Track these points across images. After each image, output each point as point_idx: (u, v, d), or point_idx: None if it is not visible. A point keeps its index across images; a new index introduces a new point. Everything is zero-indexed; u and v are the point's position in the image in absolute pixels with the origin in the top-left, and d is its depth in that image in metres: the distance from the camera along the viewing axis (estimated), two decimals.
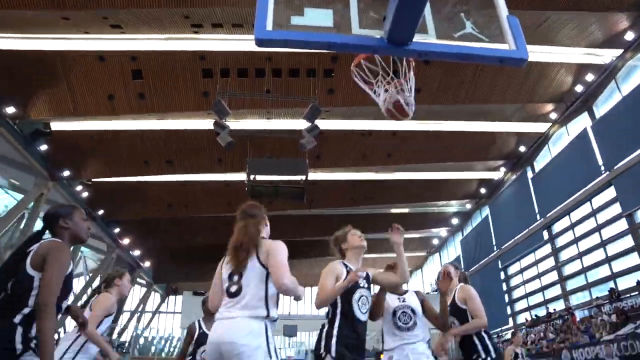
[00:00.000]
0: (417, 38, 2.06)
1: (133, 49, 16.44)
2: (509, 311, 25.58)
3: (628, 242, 17.73)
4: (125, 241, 27.52)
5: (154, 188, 22.95)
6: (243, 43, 16.44)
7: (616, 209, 18.27)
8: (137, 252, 29.43)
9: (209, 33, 15.98)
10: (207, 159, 20.85)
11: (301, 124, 16.02)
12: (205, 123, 18.26)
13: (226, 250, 2.84)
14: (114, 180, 22.26)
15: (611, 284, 18.11)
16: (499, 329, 24.69)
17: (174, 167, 21.06)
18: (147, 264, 31.46)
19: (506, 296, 26.05)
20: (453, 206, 30.32)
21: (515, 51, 2.03)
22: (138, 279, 33.21)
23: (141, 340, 30.69)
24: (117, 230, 26.38)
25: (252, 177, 15.93)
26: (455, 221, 31.60)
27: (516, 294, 25.76)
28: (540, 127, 22.28)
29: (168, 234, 27.17)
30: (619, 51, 17.66)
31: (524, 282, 24.90)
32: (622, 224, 18.04)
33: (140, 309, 36.48)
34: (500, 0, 2.17)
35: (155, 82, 16.93)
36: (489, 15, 2.18)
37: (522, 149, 23.61)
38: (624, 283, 17.56)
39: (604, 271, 19.01)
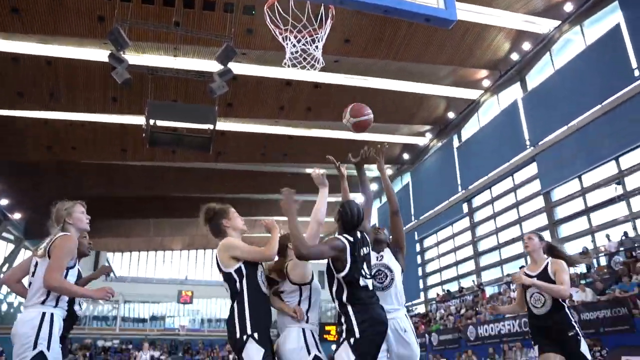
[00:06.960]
0: None
1: None
2: (421, 285, 27.18)
3: (542, 220, 19.38)
4: None
5: (30, 125, 21.36)
6: None
7: (536, 186, 19.76)
8: (4, 202, 27.50)
9: None
10: (100, 96, 19.70)
11: (213, 66, 15.54)
12: (99, 53, 17.10)
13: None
14: None
15: (522, 262, 19.78)
16: (410, 303, 26.23)
17: (57, 103, 19.69)
18: (17, 215, 29.55)
19: (420, 269, 27.62)
20: (372, 171, 31.02)
21: (443, 10, 2.07)
22: (4, 234, 31.12)
23: (3, 307, 30.08)
24: None
25: (152, 121, 15.33)
26: (374, 187, 32.56)
27: (429, 267, 27.37)
28: (471, 94, 23.25)
29: (47, 181, 25.60)
30: (557, 22, 18.74)
31: (439, 256, 26.47)
32: (539, 202, 19.63)
33: (4, 270, 34.04)
34: None
35: None
36: None
37: (451, 115, 24.59)
38: None
39: (517, 248, 20.69)
